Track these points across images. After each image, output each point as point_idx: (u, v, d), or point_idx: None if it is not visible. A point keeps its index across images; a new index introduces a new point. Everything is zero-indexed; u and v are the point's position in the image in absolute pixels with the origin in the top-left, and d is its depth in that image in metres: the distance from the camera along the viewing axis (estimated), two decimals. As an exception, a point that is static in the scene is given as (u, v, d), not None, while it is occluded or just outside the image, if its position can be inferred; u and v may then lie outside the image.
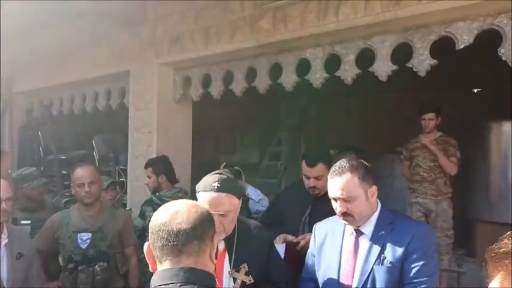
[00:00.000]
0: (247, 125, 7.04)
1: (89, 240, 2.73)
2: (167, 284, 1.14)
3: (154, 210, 3.27)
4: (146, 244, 1.25)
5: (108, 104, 5.07)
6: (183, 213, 1.21)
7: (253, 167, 7.03)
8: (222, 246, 1.83)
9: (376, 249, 1.79)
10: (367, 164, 1.88)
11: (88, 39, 4.88)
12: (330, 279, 1.88)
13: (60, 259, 2.91)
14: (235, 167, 3.79)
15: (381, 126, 6.03)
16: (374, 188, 1.82)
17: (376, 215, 1.85)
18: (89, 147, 5.55)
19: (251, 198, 3.68)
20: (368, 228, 1.84)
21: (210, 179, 1.82)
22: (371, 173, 1.83)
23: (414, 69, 3.02)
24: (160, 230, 1.19)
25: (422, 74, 3.02)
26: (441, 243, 4.14)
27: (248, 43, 3.67)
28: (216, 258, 1.79)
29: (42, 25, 4.90)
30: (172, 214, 1.21)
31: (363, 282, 1.78)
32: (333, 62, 3.41)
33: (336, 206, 1.83)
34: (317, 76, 3.50)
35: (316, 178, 2.55)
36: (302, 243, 2.43)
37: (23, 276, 2.42)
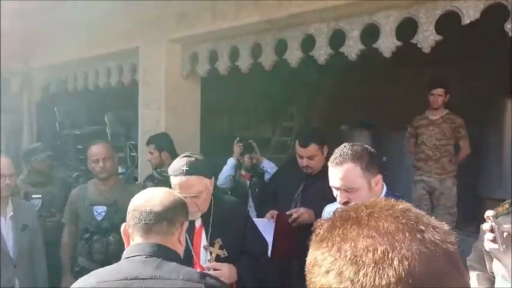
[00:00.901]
0: (260, 100, 7.02)
1: (103, 213, 2.86)
2: (135, 256, 1.25)
3: (156, 185, 3.39)
4: (123, 224, 1.38)
5: (120, 80, 5.14)
6: (158, 197, 1.34)
7: (266, 142, 7.06)
8: (198, 223, 1.91)
9: None
10: (372, 150, 1.73)
11: (99, 16, 4.92)
12: None
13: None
14: (249, 141, 3.80)
15: (393, 101, 5.92)
16: (378, 177, 1.69)
17: None
18: (102, 122, 5.67)
19: (266, 171, 3.70)
20: None
21: (179, 163, 1.88)
22: (376, 161, 1.70)
23: (418, 45, 2.95)
24: (135, 210, 1.32)
25: (426, 50, 2.95)
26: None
27: (253, 18, 3.64)
28: (193, 234, 1.87)
29: (57, 1, 4.96)
30: (148, 197, 1.35)
31: None
32: (339, 38, 3.35)
33: (337, 194, 1.73)
34: (321, 52, 3.45)
35: (309, 158, 2.57)
36: (294, 215, 2.47)
37: (28, 248, 2.56)
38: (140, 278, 1.19)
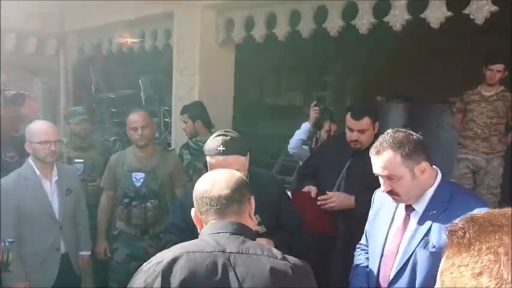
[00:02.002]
0: (293, 68, 6.90)
1: (142, 179, 2.93)
2: (219, 233, 1.28)
3: (191, 154, 3.41)
4: (193, 210, 1.40)
5: (154, 44, 5.12)
6: (221, 181, 1.35)
7: (298, 110, 6.98)
8: None
9: (423, 230, 1.59)
10: (415, 137, 1.62)
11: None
12: (375, 253, 1.77)
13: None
14: (329, 107, 3.65)
15: (432, 74, 5.70)
16: (424, 165, 1.59)
17: (431, 191, 1.63)
18: (136, 87, 5.71)
19: None
20: (420, 206, 1.63)
21: (214, 142, 1.86)
22: (420, 148, 1.60)
23: (471, 17, 2.79)
24: (204, 197, 1.34)
25: (479, 21, 2.79)
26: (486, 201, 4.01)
27: (292, -16, 3.51)
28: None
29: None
30: (212, 182, 1.36)
31: (402, 264, 1.63)
32: (382, 7, 3.21)
33: (381, 182, 1.67)
34: (364, 22, 3.31)
35: (360, 132, 2.44)
36: (322, 201, 2.47)
37: (72, 211, 2.66)
38: (228, 252, 1.22)
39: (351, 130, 2.47)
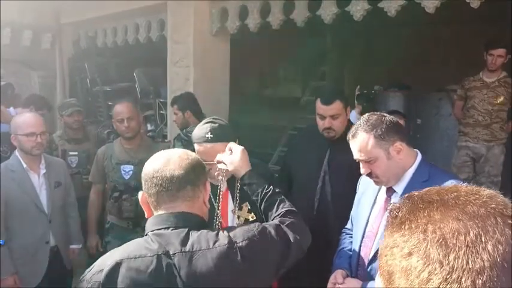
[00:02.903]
0: (290, 58, 6.83)
1: (131, 172, 2.87)
2: (161, 229, 1.18)
3: (183, 145, 3.36)
4: (140, 193, 1.29)
5: (148, 36, 5.07)
6: (175, 160, 1.23)
7: (295, 101, 6.92)
8: (224, 186, 1.86)
9: None
10: (389, 118, 1.66)
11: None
12: (357, 235, 1.79)
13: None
14: (373, 91, 3.46)
15: (429, 62, 5.63)
16: (398, 145, 1.61)
17: (411, 171, 1.65)
18: (132, 79, 5.67)
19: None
20: (400, 187, 1.66)
21: (202, 130, 1.81)
22: (394, 128, 1.63)
23: (467, 0, 2.73)
24: (154, 177, 1.21)
25: (475, 5, 2.73)
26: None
27: (285, -29, 3.45)
28: (220, 199, 1.83)
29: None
30: (164, 161, 1.23)
31: None
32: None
33: (361, 166, 1.69)
34: (358, 8, 3.26)
35: (332, 117, 2.26)
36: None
37: (62, 204, 2.62)
38: (172, 253, 1.13)
39: (322, 117, 2.29)
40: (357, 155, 1.65)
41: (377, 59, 5.87)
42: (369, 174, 1.66)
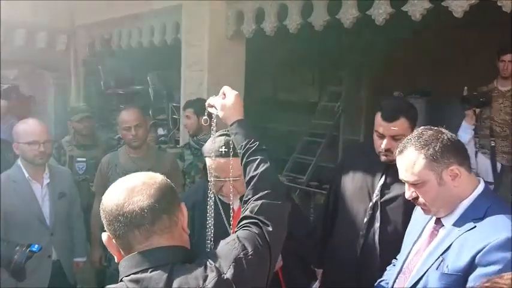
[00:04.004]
0: (306, 62, 6.66)
1: None
2: (137, 272, 0.99)
3: (193, 154, 3.21)
4: (104, 234, 1.07)
5: (163, 39, 4.98)
6: (140, 188, 1.02)
7: (312, 106, 6.75)
8: (237, 205, 1.72)
9: (442, 248, 1.36)
10: (448, 135, 1.39)
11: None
12: (395, 269, 1.58)
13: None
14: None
15: (455, 68, 5.39)
16: (454, 169, 1.35)
17: (465, 203, 1.38)
18: (145, 83, 5.58)
19: None
20: (449, 220, 1.40)
21: (216, 143, 1.66)
22: (451, 149, 1.36)
23: (499, 3, 2.55)
24: (119, 215, 1.00)
25: (507, 8, 2.54)
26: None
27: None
28: (232, 217, 1.67)
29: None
30: (127, 192, 1.02)
31: (413, 283, 1.41)
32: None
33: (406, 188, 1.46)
34: (380, 12, 3.09)
35: (393, 138, 1.85)
36: None
37: (65, 215, 2.51)
38: None
39: (382, 136, 1.90)
40: (402, 175, 1.42)
41: (398, 64, 5.66)
42: (414, 200, 1.43)
